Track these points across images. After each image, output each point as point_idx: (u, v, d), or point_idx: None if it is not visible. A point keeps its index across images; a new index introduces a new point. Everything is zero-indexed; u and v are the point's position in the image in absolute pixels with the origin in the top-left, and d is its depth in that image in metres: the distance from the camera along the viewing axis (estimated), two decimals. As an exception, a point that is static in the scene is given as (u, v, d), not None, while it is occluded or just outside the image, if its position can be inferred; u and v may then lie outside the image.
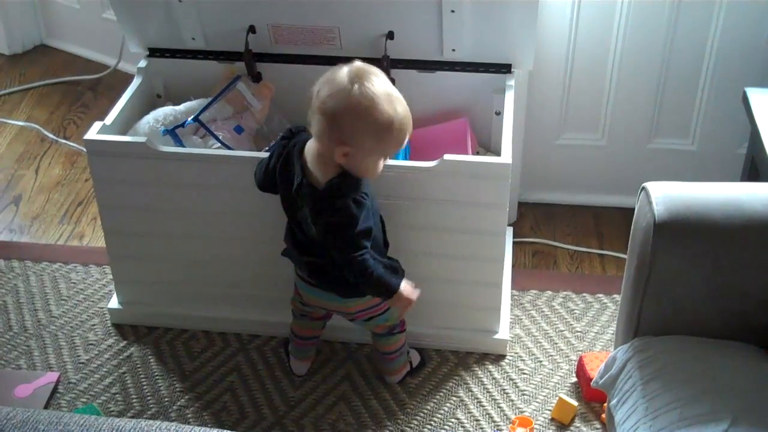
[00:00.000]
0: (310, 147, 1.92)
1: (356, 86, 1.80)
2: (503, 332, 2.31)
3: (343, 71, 1.83)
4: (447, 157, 2.07)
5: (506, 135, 2.16)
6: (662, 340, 1.67)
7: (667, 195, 1.64)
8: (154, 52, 2.48)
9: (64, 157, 3.10)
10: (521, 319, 2.43)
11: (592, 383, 1.82)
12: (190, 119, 2.26)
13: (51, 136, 3.19)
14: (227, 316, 2.37)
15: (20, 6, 3.60)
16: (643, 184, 1.69)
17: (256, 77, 2.42)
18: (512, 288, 2.50)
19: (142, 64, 2.45)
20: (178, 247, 2.29)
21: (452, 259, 2.20)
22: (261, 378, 2.27)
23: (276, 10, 2.31)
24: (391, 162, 2.06)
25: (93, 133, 2.18)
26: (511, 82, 2.34)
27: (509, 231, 2.64)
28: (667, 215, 1.61)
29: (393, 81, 2.34)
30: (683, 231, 1.60)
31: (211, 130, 2.25)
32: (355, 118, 1.80)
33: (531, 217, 2.80)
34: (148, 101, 2.45)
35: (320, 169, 1.89)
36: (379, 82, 1.83)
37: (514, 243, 2.66)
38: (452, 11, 2.22)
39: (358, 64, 1.85)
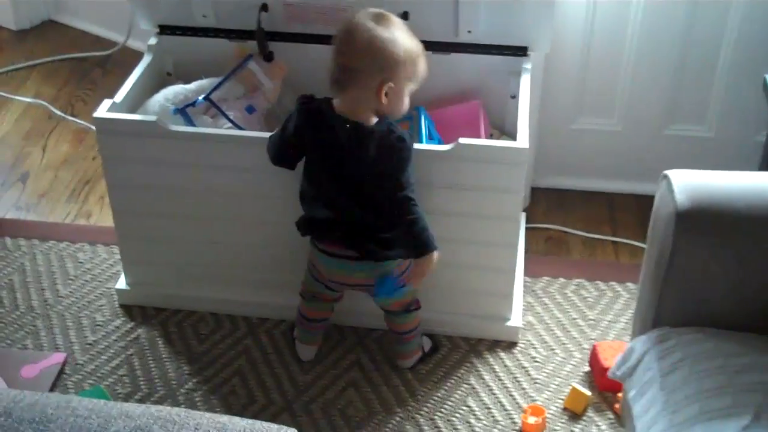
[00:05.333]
0: (342, 102, 1.94)
1: (383, 25, 1.90)
2: (515, 319, 2.28)
3: (363, 18, 1.91)
4: (462, 140, 2.03)
5: (522, 119, 2.12)
6: (682, 332, 1.63)
7: (689, 183, 1.61)
8: (164, 30, 2.44)
9: (72, 135, 3.07)
10: (533, 306, 2.40)
11: (609, 374, 1.78)
12: (200, 98, 2.22)
13: (58, 113, 3.15)
14: (236, 299, 2.35)
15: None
16: (665, 172, 1.65)
17: (268, 56, 2.37)
18: (525, 274, 2.46)
19: (152, 41, 2.42)
20: (187, 228, 2.26)
21: (465, 244, 2.16)
22: (270, 362, 2.24)
23: (289, -12, 2.28)
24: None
25: (102, 111, 2.14)
26: (528, 66, 2.30)
27: (522, 216, 2.61)
28: (689, 204, 1.57)
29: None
30: (705, 221, 1.57)
31: (222, 109, 2.22)
32: (393, 51, 1.89)
33: (544, 203, 2.77)
34: (158, 79, 2.41)
35: (358, 119, 1.93)
36: (394, 20, 1.94)
37: (526, 229, 2.62)
38: (469, -8, 2.18)
39: (367, 10, 1.94)
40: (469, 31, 2.29)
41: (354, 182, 1.96)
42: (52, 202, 2.79)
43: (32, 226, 2.68)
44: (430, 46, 2.31)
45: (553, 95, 2.64)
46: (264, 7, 2.32)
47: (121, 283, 2.40)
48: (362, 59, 1.89)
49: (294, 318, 2.25)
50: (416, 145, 2.06)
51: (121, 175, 2.21)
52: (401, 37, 1.91)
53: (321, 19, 2.32)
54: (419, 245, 1.97)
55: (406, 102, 1.97)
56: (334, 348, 2.28)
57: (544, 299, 2.42)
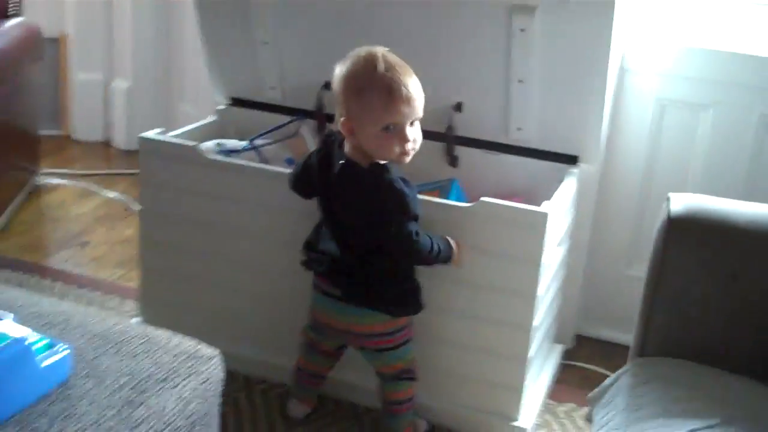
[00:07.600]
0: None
1: (365, 53, 1.82)
2: (525, 420, 2.09)
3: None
4: (484, 198, 1.99)
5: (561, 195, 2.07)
6: (662, 361, 1.48)
7: (687, 196, 1.52)
8: (234, 103, 2.58)
9: (142, 224, 3.17)
10: (551, 424, 2.20)
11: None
12: (245, 143, 2.29)
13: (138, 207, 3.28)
14: (240, 354, 2.24)
15: (146, 106, 3.82)
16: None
17: (323, 134, 2.45)
18: (548, 397, 2.29)
19: (221, 107, 2.54)
20: (208, 269, 2.25)
21: (474, 321, 2.04)
22: (256, 419, 2.12)
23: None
24: (424, 198, 1.98)
25: (151, 133, 2.23)
26: (574, 171, 2.27)
27: (557, 350, 2.46)
28: (682, 211, 1.48)
29: (456, 158, 2.36)
30: (698, 229, 1.46)
31: (264, 155, 2.27)
32: (340, 82, 1.83)
33: (588, 349, 2.59)
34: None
35: (355, 159, 1.87)
36: (368, 49, 1.83)
37: (563, 365, 2.46)
38: (520, 81, 2.22)
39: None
40: (520, 129, 2.30)
41: (343, 224, 1.91)
42: (101, 264, 2.85)
43: (75, 277, 2.73)
44: (480, 144, 2.37)
45: (605, 235, 2.55)
46: (327, 85, 2.41)
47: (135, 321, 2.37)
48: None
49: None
50: (435, 200, 2.03)
51: (155, 202, 2.26)
52: (354, 65, 1.81)
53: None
54: (442, 262, 1.92)
55: (380, 140, 1.80)
56: (326, 417, 2.14)
57: (563, 420, 2.22)
